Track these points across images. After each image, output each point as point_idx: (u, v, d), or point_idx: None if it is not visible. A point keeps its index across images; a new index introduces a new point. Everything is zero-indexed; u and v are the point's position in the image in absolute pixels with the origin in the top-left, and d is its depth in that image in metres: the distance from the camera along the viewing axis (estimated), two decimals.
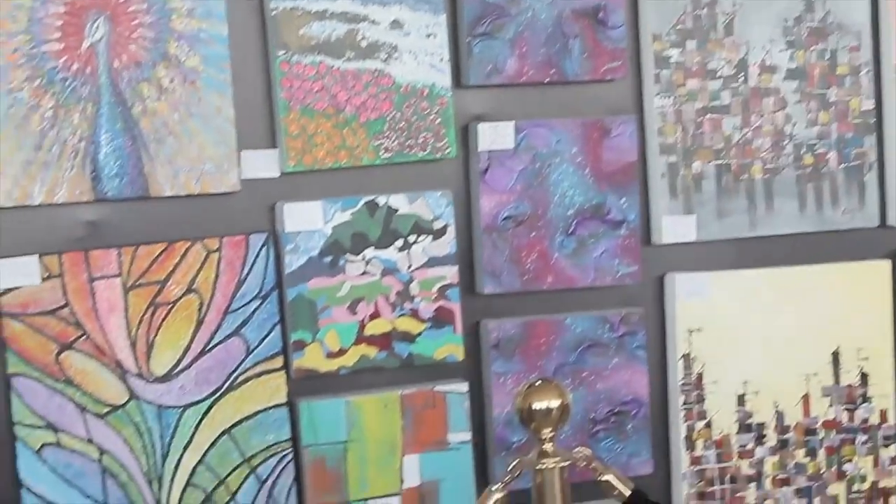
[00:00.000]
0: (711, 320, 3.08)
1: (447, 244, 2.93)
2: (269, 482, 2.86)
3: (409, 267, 2.92)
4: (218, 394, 2.82)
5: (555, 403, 2.32)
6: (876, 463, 3.22)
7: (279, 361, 2.85)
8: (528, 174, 2.97)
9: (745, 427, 3.12)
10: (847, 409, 3.19)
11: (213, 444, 2.82)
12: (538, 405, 2.33)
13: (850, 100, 3.17)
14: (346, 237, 2.87)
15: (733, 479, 3.13)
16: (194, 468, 2.81)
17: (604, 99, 3.05)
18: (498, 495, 2.36)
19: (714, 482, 3.12)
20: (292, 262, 2.84)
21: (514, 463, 2.37)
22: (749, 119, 3.11)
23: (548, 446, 2.33)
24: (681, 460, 3.10)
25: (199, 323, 2.80)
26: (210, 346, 2.81)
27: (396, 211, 2.90)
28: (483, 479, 2.97)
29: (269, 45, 2.83)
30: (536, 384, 2.36)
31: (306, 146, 2.83)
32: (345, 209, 2.87)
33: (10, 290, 2.69)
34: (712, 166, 3.09)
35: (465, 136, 2.96)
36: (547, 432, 2.33)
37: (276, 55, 2.82)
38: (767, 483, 3.14)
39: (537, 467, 2.33)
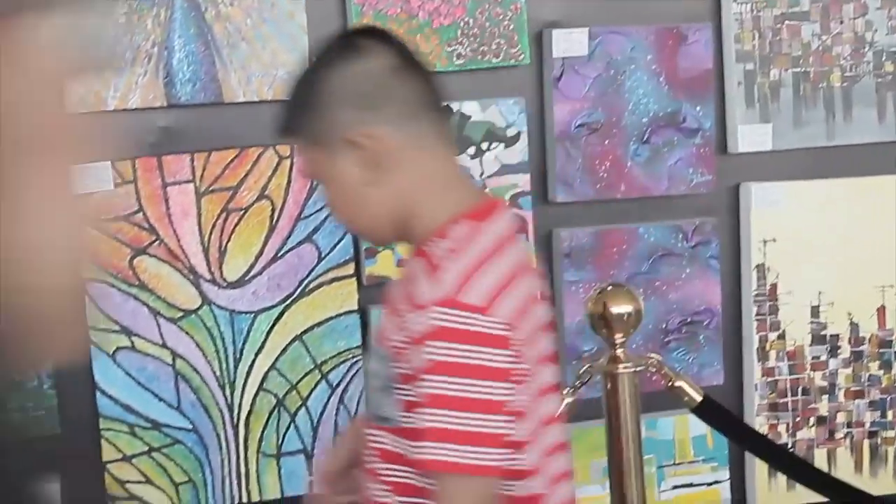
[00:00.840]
0: (786, 231, 3.05)
1: (520, 152, 2.91)
2: (340, 388, 2.87)
3: (482, 174, 2.90)
4: (290, 300, 2.83)
5: (627, 308, 2.31)
6: None
7: (351, 268, 2.86)
8: (603, 81, 2.94)
9: (818, 338, 3.09)
10: None
11: (284, 349, 2.84)
12: (611, 310, 2.32)
13: None
14: None
15: (805, 391, 3.10)
16: (266, 373, 2.83)
17: (680, 5, 3.00)
18: (568, 400, 2.35)
19: (786, 394, 3.10)
20: None
21: (584, 368, 2.36)
22: (828, 25, 3.05)
23: (619, 352, 2.32)
24: (753, 371, 3.08)
25: (272, 229, 2.81)
26: (282, 252, 2.82)
27: (469, 118, 2.88)
28: None
29: None
30: (609, 289, 2.35)
31: None
32: None
33: (83, 195, 2.70)
34: (790, 74, 3.04)
35: (539, 42, 2.93)
36: (619, 337, 2.32)
37: None
38: (840, 395, 3.12)
39: (608, 372, 2.32)
